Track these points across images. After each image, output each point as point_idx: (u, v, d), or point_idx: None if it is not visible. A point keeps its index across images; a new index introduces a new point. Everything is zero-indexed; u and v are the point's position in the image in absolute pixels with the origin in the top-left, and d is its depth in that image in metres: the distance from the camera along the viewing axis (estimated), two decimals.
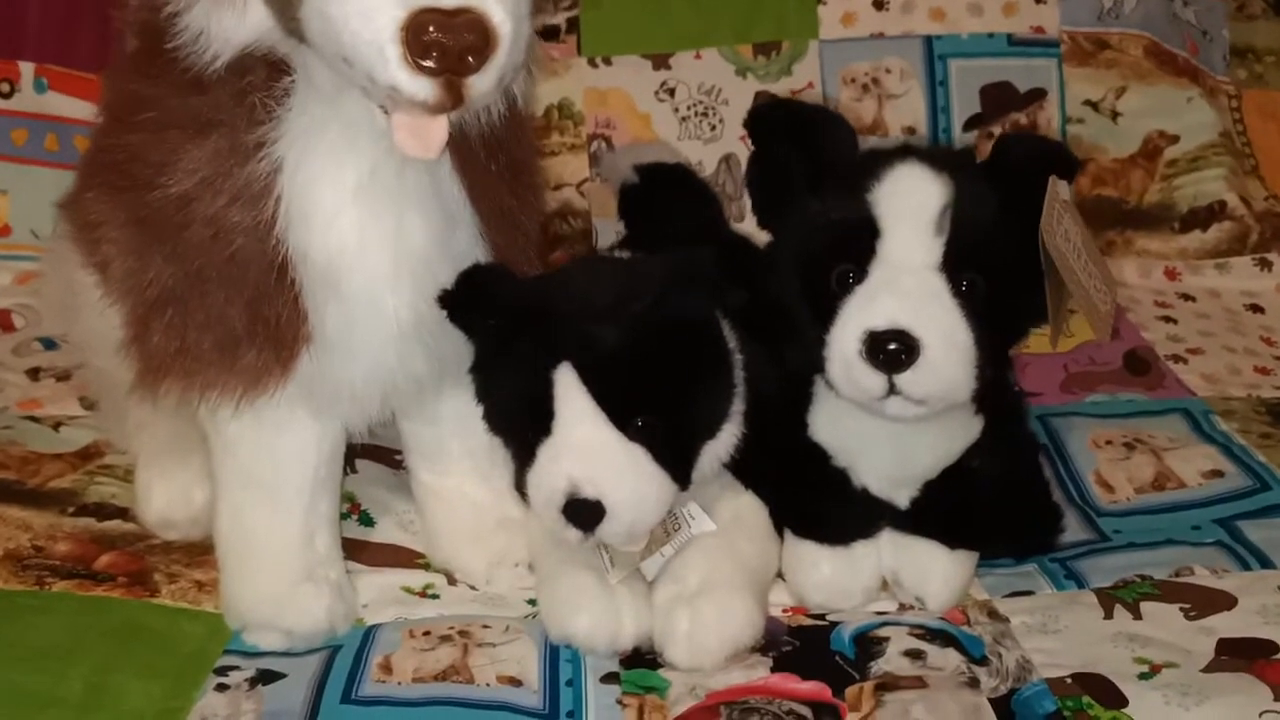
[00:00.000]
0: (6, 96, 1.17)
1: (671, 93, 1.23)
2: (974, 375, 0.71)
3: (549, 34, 1.21)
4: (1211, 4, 1.33)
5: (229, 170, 0.66)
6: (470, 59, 0.57)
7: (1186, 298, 1.21)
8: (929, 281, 0.70)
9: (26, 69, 1.17)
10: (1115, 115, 1.27)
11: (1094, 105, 1.27)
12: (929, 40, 1.25)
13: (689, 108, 1.23)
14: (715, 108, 1.24)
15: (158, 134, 0.67)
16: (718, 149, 1.23)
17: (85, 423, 0.96)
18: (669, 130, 1.23)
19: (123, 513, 0.87)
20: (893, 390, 0.70)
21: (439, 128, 0.62)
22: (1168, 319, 1.18)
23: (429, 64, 0.57)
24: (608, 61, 1.23)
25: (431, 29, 0.56)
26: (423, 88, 0.58)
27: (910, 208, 0.71)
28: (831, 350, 0.71)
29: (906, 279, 0.70)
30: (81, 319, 0.81)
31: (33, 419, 0.97)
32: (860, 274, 0.72)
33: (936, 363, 0.69)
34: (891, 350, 0.69)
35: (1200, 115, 1.27)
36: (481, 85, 0.58)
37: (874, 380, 0.70)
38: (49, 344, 1.07)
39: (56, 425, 0.96)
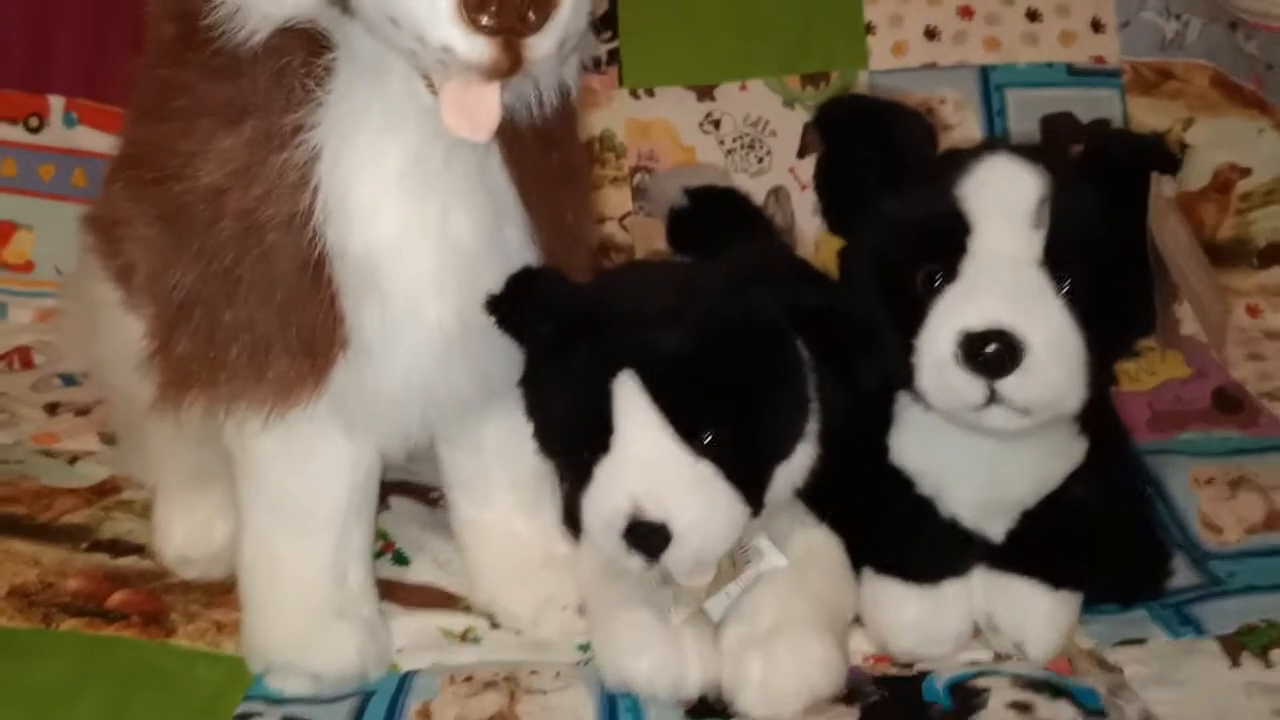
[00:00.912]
0: (35, 131, 1.14)
1: (716, 124, 1.19)
2: (1084, 383, 0.64)
3: (589, 66, 1.17)
4: (1274, 38, 1.29)
5: (263, 159, 0.61)
6: (531, 15, 0.52)
7: (1272, 335, 1.14)
8: (1029, 278, 0.64)
9: (56, 103, 1.15)
10: (1183, 147, 1.21)
11: (1161, 137, 1.21)
12: (984, 70, 1.21)
13: (735, 139, 1.19)
14: (762, 139, 1.19)
15: (189, 122, 0.62)
16: (765, 181, 1.18)
17: (102, 458, 0.90)
18: (714, 162, 1.18)
19: (139, 549, 0.81)
20: (993, 398, 0.63)
21: (491, 105, 0.57)
22: (1255, 355, 1.10)
23: (486, 20, 0.52)
24: (650, 93, 1.19)
25: None
26: (478, 47, 0.52)
27: (1004, 200, 0.65)
28: (921, 357, 0.65)
29: (1004, 275, 0.64)
30: (102, 337, 0.76)
31: (47, 453, 0.92)
32: (950, 273, 0.65)
33: (1043, 366, 0.62)
34: (992, 352, 0.62)
35: (1272, 147, 1.21)
36: (543, 46, 0.53)
37: (972, 386, 0.63)
38: (68, 380, 1.02)
39: (72, 460, 0.91)
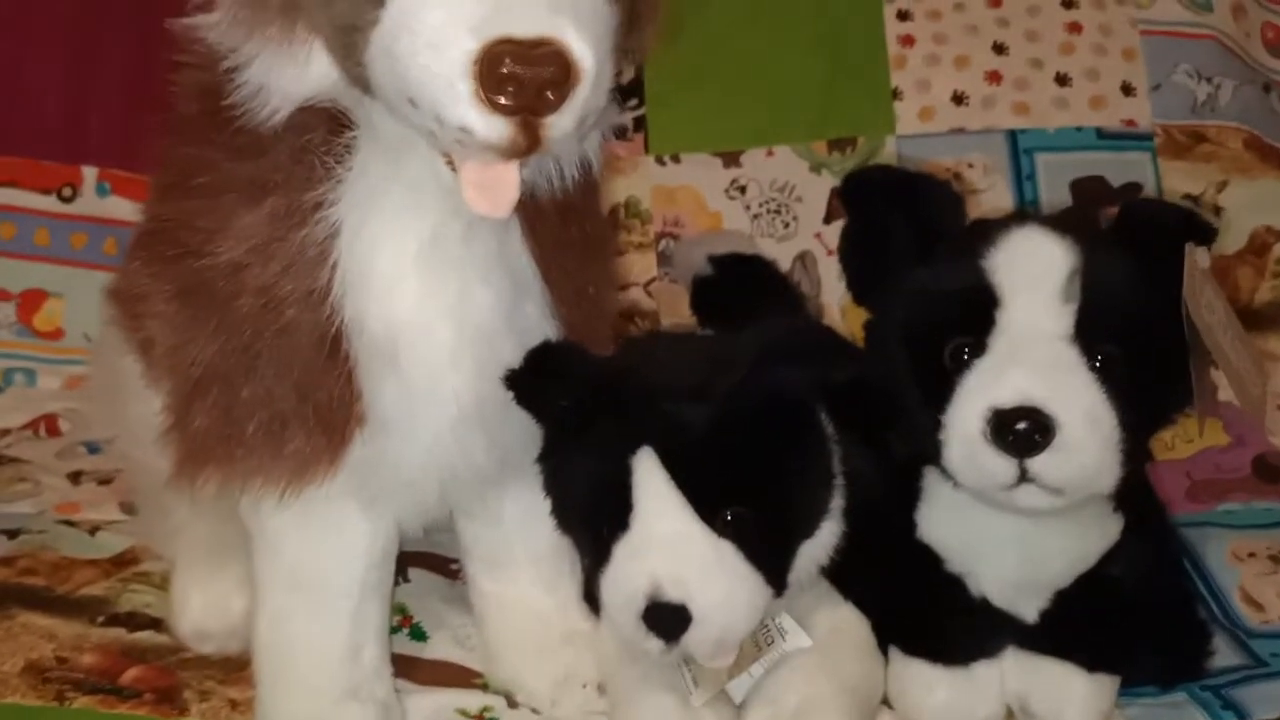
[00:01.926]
0: (68, 200, 1.16)
1: (742, 190, 1.19)
2: (1119, 460, 0.62)
3: (616, 133, 1.18)
4: None
5: (284, 235, 0.61)
6: (550, 95, 0.52)
7: None
8: (1061, 353, 0.62)
9: (89, 173, 1.16)
10: (1218, 210, 1.19)
11: (1194, 200, 1.19)
12: (1013, 134, 1.20)
13: (761, 205, 1.18)
14: (788, 205, 1.18)
15: (211, 199, 0.62)
16: (792, 247, 1.17)
17: (123, 528, 0.90)
18: (740, 227, 1.17)
19: (156, 623, 0.80)
20: (1024, 477, 0.61)
21: (510, 182, 0.57)
22: None
23: (504, 100, 0.51)
24: (676, 159, 1.19)
25: (508, 61, 0.51)
26: (496, 128, 0.52)
27: (1034, 273, 0.64)
28: (950, 433, 0.63)
29: (1034, 350, 0.62)
30: (123, 408, 0.76)
31: (69, 523, 0.91)
32: (979, 348, 0.64)
33: (1076, 444, 0.60)
34: (1023, 430, 0.60)
35: None
36: (561, 125, 0.53)
37: (1002, 465, 0.61)
38: (93, 448, 1.02)
39: (93, 530, 0.90)
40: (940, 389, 0.64)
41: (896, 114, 1.20)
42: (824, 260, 1.16)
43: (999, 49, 1.21)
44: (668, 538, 0.62)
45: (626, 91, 1.18)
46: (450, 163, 0.58)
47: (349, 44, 0.56)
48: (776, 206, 1.19)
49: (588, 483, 0.65)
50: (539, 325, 0.67)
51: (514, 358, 0.66)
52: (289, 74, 0.59)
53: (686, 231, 1.17)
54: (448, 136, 0.54)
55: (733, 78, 1.20)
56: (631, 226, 1.18)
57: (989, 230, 0.66)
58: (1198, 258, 0.66)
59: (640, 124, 1.19)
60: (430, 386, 0.64)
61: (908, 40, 1.22)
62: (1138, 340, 0.64)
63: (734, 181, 1.19)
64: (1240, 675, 0.74)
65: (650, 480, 0.63)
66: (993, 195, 1.19)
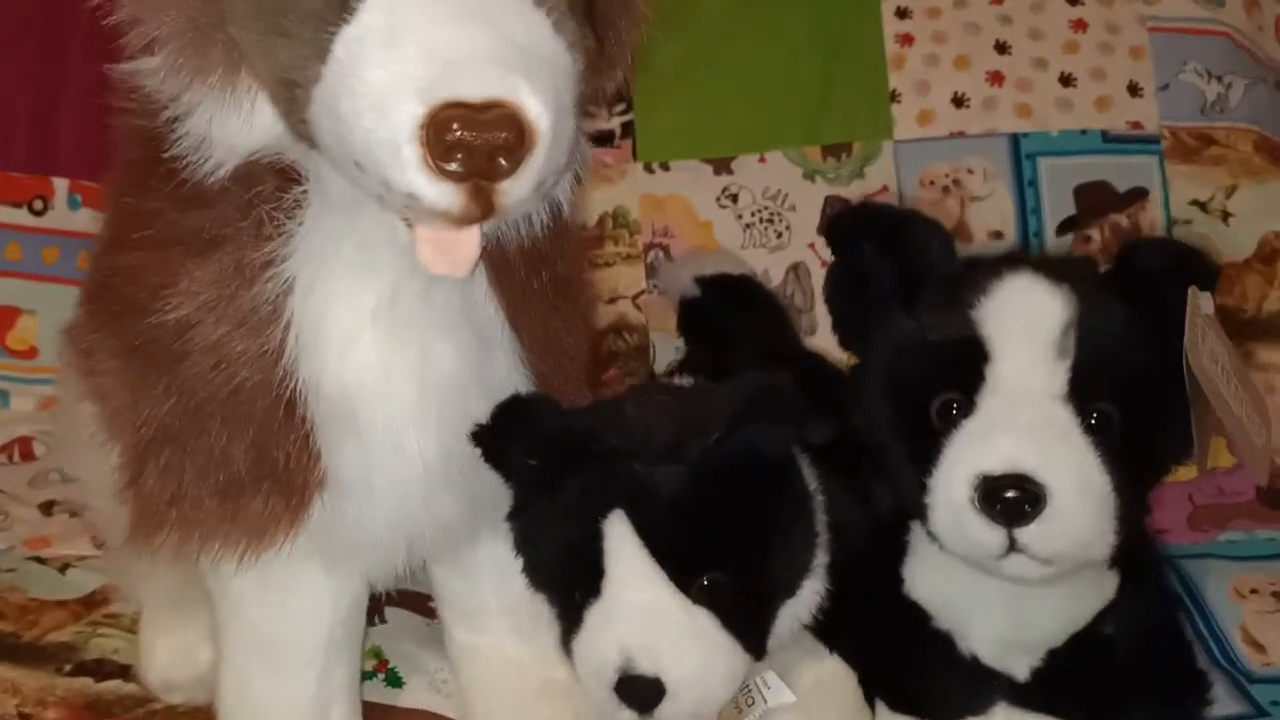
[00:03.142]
0: (39, 214, 1.13)
1: (734, 198, 1.15)
2: (1113, 528, 0.59)
3: (603, 139, 1.14)
4: None
5: (233, 292, 0.58)
6: (502, 160, 0.48)
7: None
8: (1053, 414, 0.59)
9: (60, 185, 1.13)
10: (1226, 216, 1.15)
11: (1202, 205, 1.15)
12: (1015, 138, 1.16)
13: (753, 214, 1.15)
14: (781, 214, 1.15)
15: (156, 253, 0.59)
16: (785, 257, 1.14)
17: (94, 564, 0.88)
18: (732, 238, 1.14)
19: (124, 670, 0.78)
20: (1013, 547, 0.58)
21: (469, 242, 0.53)
22: None
23: (453, 167, 0.48)
24: (665, 167, 1.15)
25: (456, 126, 0.47)
26: (446, 195, 0.49)
27: (1026, 326, 0.60)
28: (935, 497, 0.60)
29: (1026, 411, 0.59)
30: (82, 455, 0.73)
31: (39, 559, 0.89)
32: (967, 405, 0.61)
33: (1067, 514, 0.57)
34: (1011, 499, 0.57)
35: None
36: (515, 192, 0.50)
37: (990, 535, 0.58)
38: (67, 477, 0.99)
39: (64, 567, 0.88)
40: (926, 447, 0.61)
41: (894, 117, 1.16)
42: (817, 272, 1.13)
43: (1001, 48, 1.17)
44: (640, 607, 0.60)
45: (614, 96, 1.14)
46: (407, 220, 0.55)
47: (291, 99, 0.52)
48: (769, 216, 1.15)
49: (558, 546, 0.63)
50: (508, 378, 0.64)
51: (482, 412, 0.63)
52: (233, 125, 0.55)
53: (676, 242, 1.14)
54: (396, 202, 0.51)
55: (723, 80, 1.16)
56: (619, 237, 1.14)
57: (980, 277, 0.63)
58: (1202, 303, 0.63)
59: (628, 130, 1.15)
60: (392, 447, 0.61)
61: (906, 39, 1.18)
62: (1135, 397, 0.60)
63: (725, 189, 1.15)
64: None
65: (622, 545, 0.60)
66: (993, 202, 1.15)
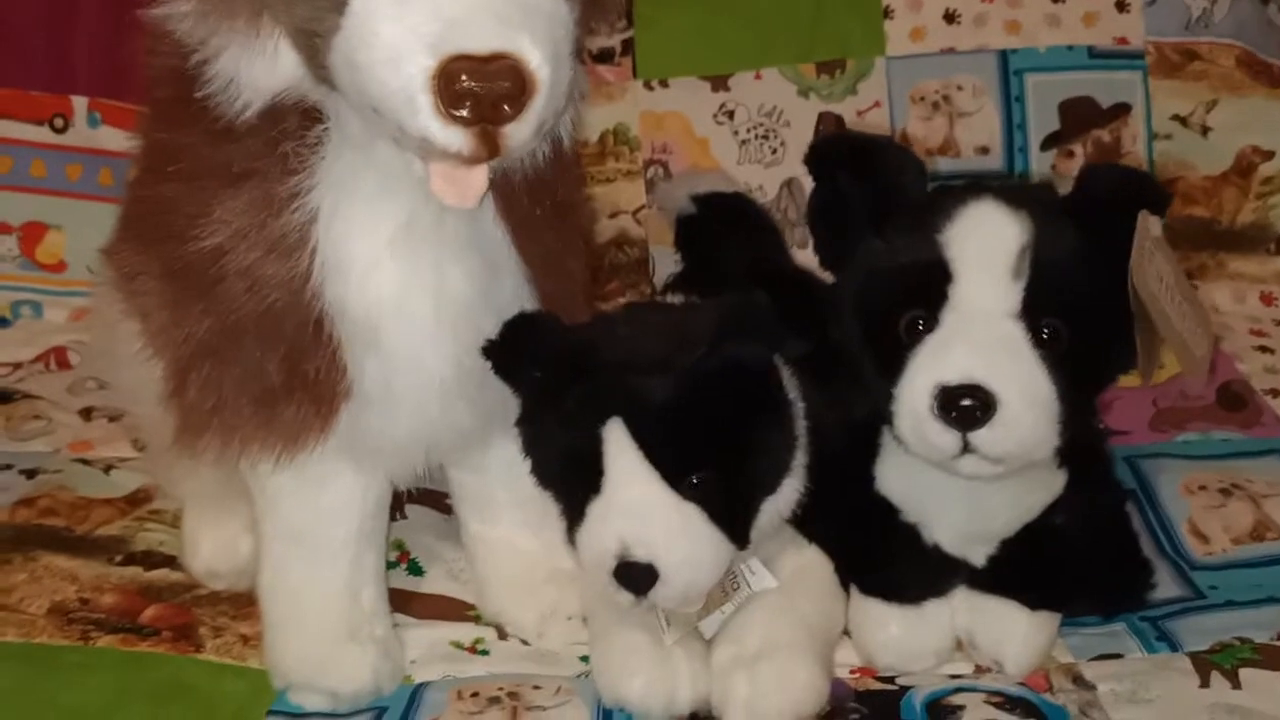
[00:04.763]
0: (60, 131, 1.17)
1: (731, 115, 1.19)
2: (1056, 431, 0.65)
3: (604, 57, 1.18)
4: None
5: (263, 222, 0.64)
6: (506, 107, 0.53)
7: None
8: (1006, 330, 0.65)
9: (80, 103, 1.16)
10: (1206, 130, 1.19)
11: (1183, 120, 1.19)
12: (1004, 55, 1.19)
13: (749, 130, 1.19)
14: (776, 130, 1.19)
15: (190, 185, 0.65)
16: (779, 173, 1.18)
17: (136, 465, 0.94)
18: (728, 154, 1.18)
19: (170, 560, 0.85)
20: (967, 449, 0.65)
21: (478, 176, 0.59)
22: (1264, 349, 1.10)
23: (462, 113, 0.53)
24: (664, 84, 1.18)
25: (464, 77, 0.52)
26: (456, 138, 0.54)
27: (986, 249, 0.66)
28: (900, 405, 0.67)
29: (981, 328, 0.65)
30: (125, 368, 0.79)
31: (84, 461, 0.96)
32: (931, 321, 0.67)
33: (1015, 420, 0.64)
34: (966, 406, 0.64)
35: None
36: (519, 135, 0.55)
37: (947, 438, 0.65)
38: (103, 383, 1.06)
39: (107, 468, 0.95)
40: (894, 359, 0.67)
41: (886, 34, 1.19)
42: (811, 186, 1.17)
43: None
44: (635, 502, 0.67)
45: (615, 14, 1.16)
46: (421, 156, 0.60)
47: (312, 47, 0.57)
48: (764, 132, 1.19)
49: (561, 449, 0.69)
50: (515, 297, 0.70)
51: (492, 329, 0.69)
52: (258, 68, 0.60)
53: (675, 159, 1.18)
54: (410, 144, 0.56)
55: None
56: (620, 154, 1.18)
57: (946, 203, 0.68)
58: (1151, 226, 0.68)
59: (628, 47, 1.18)
60: (412, 364, 0.67)
61: None
62: (1083, 313, 0.66)
63: (722, 106, 1.18)
64: (1178, 607, 0.79)
65: (619, 449, 0.67)
66: (981, 118, 1.19)
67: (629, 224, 1.18)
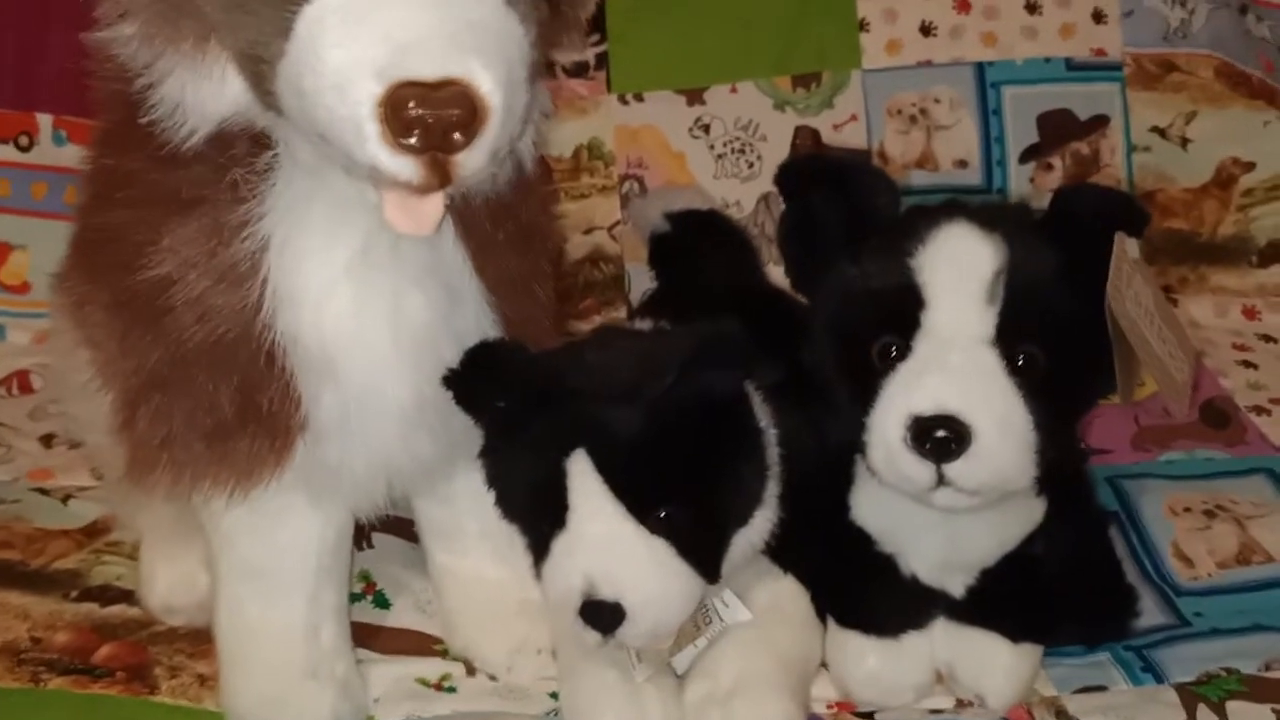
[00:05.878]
0: (25, 150, 1.15)
1: (706, 129, 1.17)
2: (1034, 461, 0.64)
3: (577, 71, 1.16)
4: None
5: (212, 250, 0.62)
6: (457, 135, 0.51)
7: (1268, 339, 1.12)
8: (980, 358, 0.63)
9: (45, 121, 1.14)
10: (1185, 142, 1.18)
11: (1161, 132, 1.18)
12: (981, 67, 1.18)
13: (725, 144, 1.17)
14: (752, 144, 1.17)
15: (137, 212, 0.63)
16: (755, 187, 1.16)
17: (95, 495, 0.92)
18: (704, 168, 1.16)
19: (127, 595, 0.83)
20: (942, 481, 0.63)
21: (433, 204, 0.57)
22: (1247, 364, 1.08)
23: (411, 142, 0.51)
24: (639, 98, 1.17)
25: (412, 104, 0.50)
26: (406, 167, 0.52)
27: (958, 274, 0.64)
28: (873, 435, 0.65)
29: (955, 355, 0.63)
30: (78, 398, 0.77)
31: (42, 490, 0.94)
32: (904, 348, 0.65)
33: (990, 451, 0.62)
34: (939, 438, 0.62)
35: (1278, 140, 1.18)
36: (471, 163, 0.53)
37: (920, 470, 0.63)
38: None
39: (66, 498, 0.93)
40: (867, 387, 0.66)
41: (863, 47, 1.17)
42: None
43: None
44: (601, 537, 0.64)
45: (588, 26, 1.14)
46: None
47: (258, 73, 0.55)
48: (740, 146, 1.17)
49: (525, 482, 0.67)
50: (476, 324, 0.68)
51: (453, 358, 0.67)
52: (205, 92, 0.58)
53: (650, 173, 1.16)
54: (359, 172, 0.54)
55: (696, 9, 1.17)
56: (594, 169, 1.17)
57: (919, 225, 0.66)
58: (1129, 248, 0.67)
59: (602, 61, 1.17)
60: (370, 394, 0.65)
61: None
62: (1060, 339, 0.65)
63: (697, 120, 1.17)
64: (1163, 636, 0.78)
65: (584, 482, 0.65)
66: (959, 131, 1.17)
67: (604, 240, 1.16)
